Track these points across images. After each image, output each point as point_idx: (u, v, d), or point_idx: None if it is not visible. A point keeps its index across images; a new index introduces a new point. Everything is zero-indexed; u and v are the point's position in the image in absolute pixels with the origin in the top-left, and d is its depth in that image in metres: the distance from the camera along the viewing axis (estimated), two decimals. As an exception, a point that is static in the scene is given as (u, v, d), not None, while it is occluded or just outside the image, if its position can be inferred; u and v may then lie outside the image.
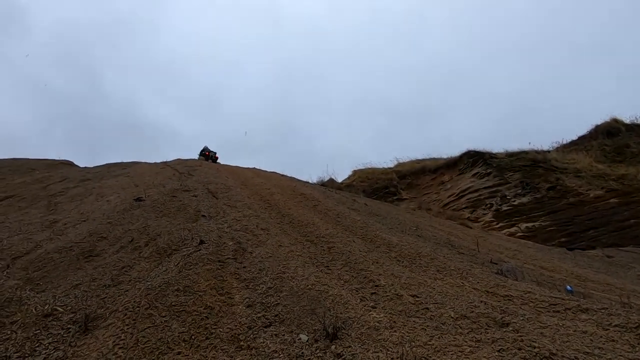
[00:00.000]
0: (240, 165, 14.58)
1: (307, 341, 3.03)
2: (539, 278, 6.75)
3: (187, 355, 2.87)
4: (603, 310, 3.48)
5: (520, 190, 18.18)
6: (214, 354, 2.91)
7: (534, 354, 2.56)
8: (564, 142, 21.11)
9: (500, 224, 17.32)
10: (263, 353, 2.90)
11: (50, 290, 4.15)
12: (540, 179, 18.33)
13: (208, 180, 9.68)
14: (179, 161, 13.57)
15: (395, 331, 3.06)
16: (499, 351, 2.65)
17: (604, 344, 2.74)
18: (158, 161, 14.06)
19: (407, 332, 3.05)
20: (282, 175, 13.65)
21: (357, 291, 4.10)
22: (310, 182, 15.89)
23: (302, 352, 2.87)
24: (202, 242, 5.18)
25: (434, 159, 21.32)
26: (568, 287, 6.41)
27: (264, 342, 3.03)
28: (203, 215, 6.71)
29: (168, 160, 13.94)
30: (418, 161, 21.51)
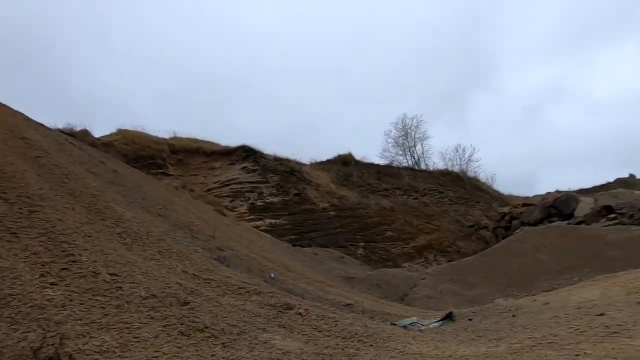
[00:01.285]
0: None
1: None
2: (253, 266, 8.04)
3: None
4: (269, 294, 4.58)
5: (274, 191, 21.11)
6: None
7: (192, 327, 3.05)
8: (317, 160, 26.16)
9: (251, 217, 19.49)
10: None
11: None
12: (291, 185, 21.95)
13: None
14: None
15: (65, 309, 2.91)
16: (164, 326, 3.01)
17: (251, 317, 3.61)
18: None
19: (80, 310, 2.96)
20: (6, 107, 10.21)
21: (42, 265, 3.61)
22: (50, 126, 12.58)
23: None
24: None
25: (212, 143, 21.63)
26: (272, 275, 7.96)
27: None
28: None
29: None
30: (195, 140, 21.19)
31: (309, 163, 25.62)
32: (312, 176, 23.88)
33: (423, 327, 5.29)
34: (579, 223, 17.55)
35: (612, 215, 17.21)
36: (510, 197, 30.48)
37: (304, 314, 4.21)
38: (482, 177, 31.37)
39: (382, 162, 30.23)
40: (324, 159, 26.46)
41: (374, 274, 14.45)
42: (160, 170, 18.48)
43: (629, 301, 3.78)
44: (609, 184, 28.87)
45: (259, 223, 18.83)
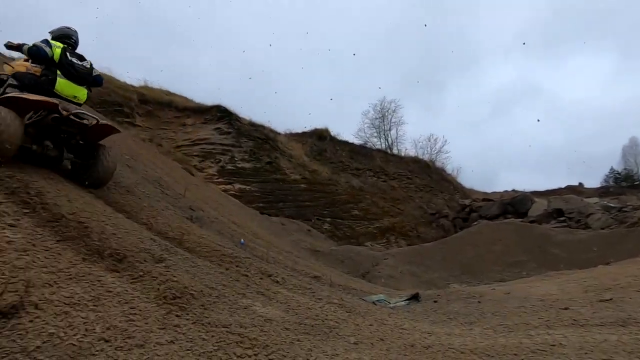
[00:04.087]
0: None
1: None
2: (224, 229, 7.83)
3: None
4: (245, 259, 4.45)
5: (247, 157, 20.61)
6: None
7: (169, 286, 2.87)
8: (292, 131, 25.70)
9: (220, 180, 18.99)
10: None
11: None
12: (265, 153, 21.51)
13: None
14: None
15: (29, 255, 2.61)
16: (136, 283, 2.80)
17: (229, 281, 3.48)
18: None
19: (44, 257, 2.67)
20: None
21: (7, 211, 3.22)
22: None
23: None
24: None
25: (186, 98, 20.54)
26: (242, 241, 7.81)
27: None
28: None
29: None
30: (168, 93, 19.99)
31: (284, 133, 25.16)
32: (286, 146, 23.53)
33: (390, 305, 5.44)
34: (532, 222, 18.79)
35: (562, 218, 18.57)
36: (472, 190, 31.94)
37: (280, 282, 4.14)
38: (449, 168, 32.52)
39: (356, 141, 30.34)
40: (299, 130, 26.09)
41: (339, 250, 14.74)
42: (126, 120, 17.32)
43: (588, 298, 4.06)
44: (560, 189, 31.05)
45: (227, 187, 18.41)
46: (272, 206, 19.80)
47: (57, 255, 2.79)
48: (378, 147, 31.69)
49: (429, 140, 33.85)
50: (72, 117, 3.94)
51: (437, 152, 33.58)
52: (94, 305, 2.31)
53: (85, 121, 4.09)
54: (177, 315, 2.55)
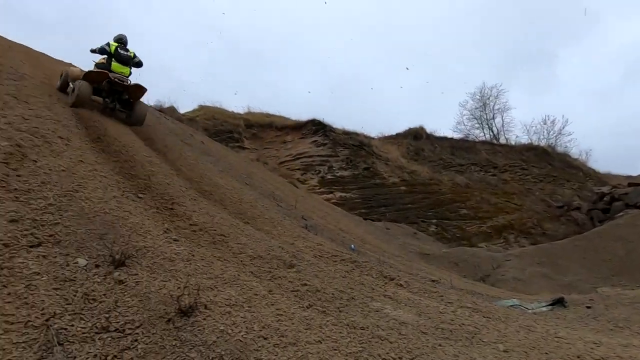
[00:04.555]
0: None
1: (86, 266, 2.71)
2: (334, 236, 8.08)
3: None
4: (364, 263, 4.48)
5: (344, 165, 21.03)
6: (-64, 271, 2.24)
7: (305, 290, 3.05)
8: (386, 134, 25.34)
9: (322, 190, 19.74)
10: (19, 275, 2.42)
11: None
12: (361, 159, 21.64)
13: (-12, 57, 7.07)
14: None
15: (190, 264, 3.09)
16: (278, 286, 3.05)
17: (355, 285, 3.53)
18: None
19: (202, 265, 3.12)
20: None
21: (163, 223, 3.90)
22: (144, 101, 13.80)
23: (75, 277, 2.55)
24: (-46, 132, 3.78)
25: (283, 117, 22.06)
26: (352, 246, 7.94)
27: (23, 263, 2.53)
28: (-34, 100, 4.89)
29: None
30: (268, 115, 21.79)
31: (378, 137, 24.97)
32: (382, 150, 23.26)
33: (530, 310, 4.81)
34: None
35: None
36: (609, 175, 26.62)
37: (404, 286, 4.04)
38: (574, 152, 27.73)
39: (456, 135, 28.27)
40: (393, 132, 25.57)
41: (451, 252, 13.80)
42: (237, 144, 19.44)
43: None
44: None
45: (329, 196, 19.01)
46: (374, 211, 19.71)
47: (211, 264, 3.22)
48: (482, 138, 28.96)
49: (545, 123, 29.44)
50: (117, 80, 6.71)
51: (556, 136, 29.02)
52: (248, 307, 2.58)
53: (124, 82, 6.81)
54: (318, 317, 2.68)
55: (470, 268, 12.20)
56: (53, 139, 4.90)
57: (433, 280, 6.68)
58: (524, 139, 28.44)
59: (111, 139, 6.11)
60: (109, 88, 6.81)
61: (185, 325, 2.26)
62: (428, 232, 19.52)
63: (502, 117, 30.27)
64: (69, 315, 2.20)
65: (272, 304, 2.68)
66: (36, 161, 4.07)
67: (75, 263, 2.71)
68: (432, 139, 25.94)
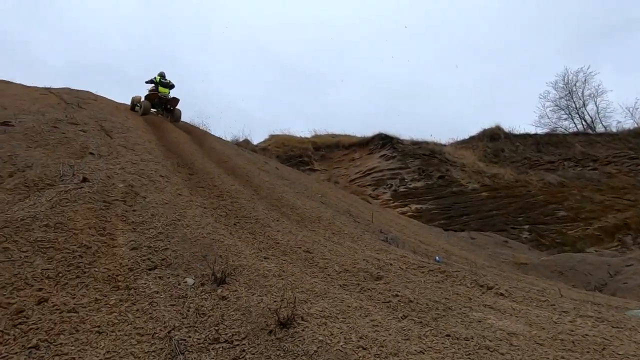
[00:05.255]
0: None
1: (193, 284, 3.00)
2: (416, 248, 7.74)
3: (50, 292, 2.58)
4: (455, 273, 4.20)
5: (416, 176, 20.31)
6: (84, 292, 2.68)
7: (397, 300, 2.96)
8: (458, 139, 23.98)
9: (396, 203, 19.24)
10: (143, 293, 2.78)
11: None
12: (434, 168, 20.71)
13: (103, 117, 8.51)
14: (67, 90, 11.57)
15: (282, 279, 3.22)
16: (368, 297, 3.01)
17: (450, 295, 3.32)
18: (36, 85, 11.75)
19: (293, 280, 3.24)
20: (194, 126, 12.76)
21: (253, 244, 4.16)
22: (223, 138, 15.20)
23: (186, 294, 2.83)
24: (85, 179, 4.59)
25: (349, 135, 22.31)
26: (437, 258, 7.51)
27: (145, 283, 2.90)
28: (91, 153, 5.92)
29: (53, 87, 11.76)
30: (334, 136, 22.24)
31: (449, 143, 23.73)
32: (455, 156, 21.99)
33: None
34: None
35: None
36: None
37: (505, 295, 3.67)
38: (702, 131, 22.98)
39: (540, 130, 25.55)
40: (466, 136, 24.07)
41: (553, 259, 12.21)
42: (307, 167, 20.11)
43: None
44: None
45: (404, 209, 18.44)
46: (455, 221, 18.51)
47: (301, 279, 3.33)
48: (573, 130, 25.72)
49: (656, 102, 25.08)
50: (162, 96, 11.15)
51: (670, 114, 24.49)
52: (343, 318, 2.58)
53: (166, 97, 11.16)
54: (415, 327, 2.57)
55: (580, 277, 10.63)
56: (156, 178, 5.63)
57: (538, 290, 5.97)
58: (629, 124, 24.52)
59: (201, 173, 6.81)
60: (158, 102, 11.26)
61: (286, 336, 2.34)
62: (521, 239, 17.64)
63: (596, 102, 26.64)
64: (186, 328, 2.44)
65: (366, 315, 2.65)
66: (145, 197, 4.70)
67: (184, 282, 3.02)
68: (511, 137, 23.82)
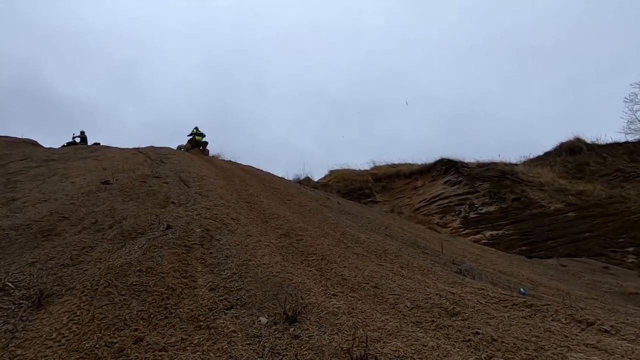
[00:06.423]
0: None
1: (267, 323, 3.10)
2: (495, 280, 7.09)
3: (144, 332, 2.86)
4: (546, 307, 3.75)
5: (487, 200, 18.93)
6: (171, 331, 2.92)
7: (478, 339, 2.73)
8: (531, 156, 22.12)
9: (467, 231, 17.97)
10: (222, 333, 2.94)
11: (3, 267, 3.99)
12: (506, 190, 19.17)
13: (181, 169, 9.53)
14: (151, 148, 13.24)
15: (352, 317, 3.18)
16: (445, 335, 2.82)
17: (540, 332, 2.96)
18: (127, 147, 13.65)
19: (364, 318, 3.17)
20: (258, 170, 13.61)
21: (320, 281, 4.20)
22: (285, 178, 15.92)
23: (261, 333, 2.93)
24: (169, 227, 5.12)
25: (409, 164, 21.84)
26: (522, 290, 6.77)
27: (223, 323, 3.07)
28: (173, 202, 6.62)
29: (141, 146, 13.58)
30: (393, 165, 21.96)
31: (521, 162, 21.95)
32: (530, 175, 20.18)
33: None
34: None
35: None
36: None
37: (612, 332, 3.17)
38: None
39: (631, 138, 22.49)
40: (540, 152, 22.13)
41: (673, 288, 10.21)
42: (369, 199, 19.95)
43: None
44: None
45: (478, 237, 17.12)
46: (539, 247, 16.61)
47: (371, 316, 3.25)
48: (673, 134, 22.18)
49: None
50: (198, 141, 15.67)
51: None
52: (419, 358, 2.45)
53: (202, 141, 15.76)
54: (501, 370, 2.34)
55: None
56: (227, 221, 6.06)
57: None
58: None
59: (267, 213, 7.16)
60: (195, 144, 15.43)
61: (361, 378, 2.28)
62: (625, 264, 15.15)
63: (698, 98, 22.88)
64: (262, 367, 2.51)
65: (445, 356, 2.48)
66: (219, 240, 5.06)
67: (258, 321, 3.14)
68: (596, 148, 21.36)
